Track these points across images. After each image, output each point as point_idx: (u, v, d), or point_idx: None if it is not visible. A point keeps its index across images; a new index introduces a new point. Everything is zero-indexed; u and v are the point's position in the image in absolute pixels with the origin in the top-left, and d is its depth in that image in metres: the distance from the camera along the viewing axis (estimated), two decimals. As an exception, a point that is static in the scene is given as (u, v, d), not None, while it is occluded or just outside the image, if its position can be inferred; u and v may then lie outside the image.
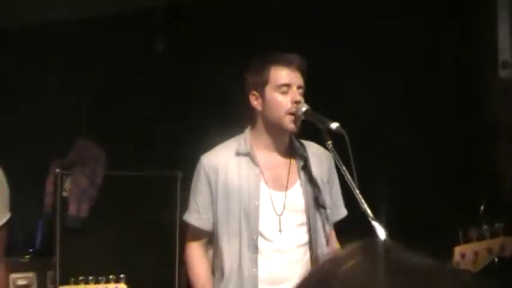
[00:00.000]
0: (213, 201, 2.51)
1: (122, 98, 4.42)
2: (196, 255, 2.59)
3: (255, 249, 2.43)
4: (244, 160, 2.49)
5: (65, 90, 4.35)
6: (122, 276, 2.49)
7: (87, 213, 4.10)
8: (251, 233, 2.43)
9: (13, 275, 3.91)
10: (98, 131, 4.32)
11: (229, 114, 3.54)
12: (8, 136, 4.29)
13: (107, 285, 2.49)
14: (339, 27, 3.94)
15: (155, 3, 4.41)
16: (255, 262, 2.41)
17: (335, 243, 2.64)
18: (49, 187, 4.24)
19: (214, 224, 2.51)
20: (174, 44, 4.38)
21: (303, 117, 2.43)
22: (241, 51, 3.64)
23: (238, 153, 2.50)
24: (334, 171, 2.55)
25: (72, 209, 4.09)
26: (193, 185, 2.58)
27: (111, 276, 2.49)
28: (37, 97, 4.45)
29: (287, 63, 2.46)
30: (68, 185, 4.15)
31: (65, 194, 4.14)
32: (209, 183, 2.50)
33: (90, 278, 2.48)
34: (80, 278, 2.50)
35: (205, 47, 4.32)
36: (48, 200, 4.23)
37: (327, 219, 2.53)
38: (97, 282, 2.50)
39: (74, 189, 4.13)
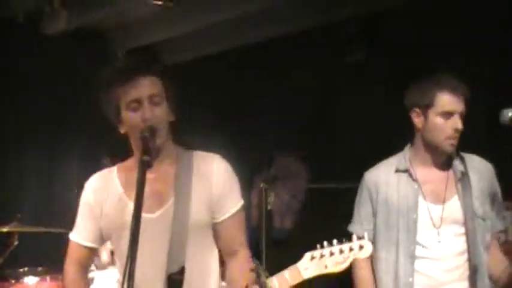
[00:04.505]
0: (374, 213, 2.64)
1: (322, 112, 4.53)
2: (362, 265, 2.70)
3: (411, 259, 2.51)
4: (403, 176, 2.59)
5: (268, 110, 4.55)
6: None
7: (291, 225, 4.28)
8: (409, 243, 2.53)
9: None
10: (300, 146, 4.47)
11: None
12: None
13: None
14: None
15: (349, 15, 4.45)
16: (411, 272, 2.49)
17: (496, 252, 2.61)
18: (254, 200, 4.49)
19: (374, 234, 2.64)
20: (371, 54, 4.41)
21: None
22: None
23: (397, 170, 2.61)
24: (495, 182, 2.58)
25: (277, 222, 4.29)
26: (357, 198, 2.73)
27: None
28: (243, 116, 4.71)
29: (453, 90, 2.51)
30: (271, 198, 4.37)
31: (269, 207, 4.36)
32: (370, 197, 2.65)
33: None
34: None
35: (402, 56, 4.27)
36: (253, 212, 4.48)
37: (487, 229, 2.55)
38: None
39: (277, 203, 4.33)
